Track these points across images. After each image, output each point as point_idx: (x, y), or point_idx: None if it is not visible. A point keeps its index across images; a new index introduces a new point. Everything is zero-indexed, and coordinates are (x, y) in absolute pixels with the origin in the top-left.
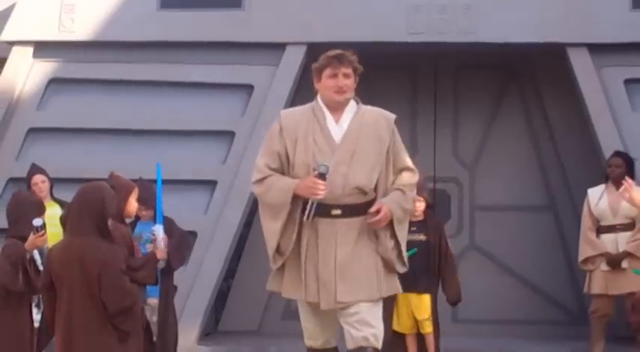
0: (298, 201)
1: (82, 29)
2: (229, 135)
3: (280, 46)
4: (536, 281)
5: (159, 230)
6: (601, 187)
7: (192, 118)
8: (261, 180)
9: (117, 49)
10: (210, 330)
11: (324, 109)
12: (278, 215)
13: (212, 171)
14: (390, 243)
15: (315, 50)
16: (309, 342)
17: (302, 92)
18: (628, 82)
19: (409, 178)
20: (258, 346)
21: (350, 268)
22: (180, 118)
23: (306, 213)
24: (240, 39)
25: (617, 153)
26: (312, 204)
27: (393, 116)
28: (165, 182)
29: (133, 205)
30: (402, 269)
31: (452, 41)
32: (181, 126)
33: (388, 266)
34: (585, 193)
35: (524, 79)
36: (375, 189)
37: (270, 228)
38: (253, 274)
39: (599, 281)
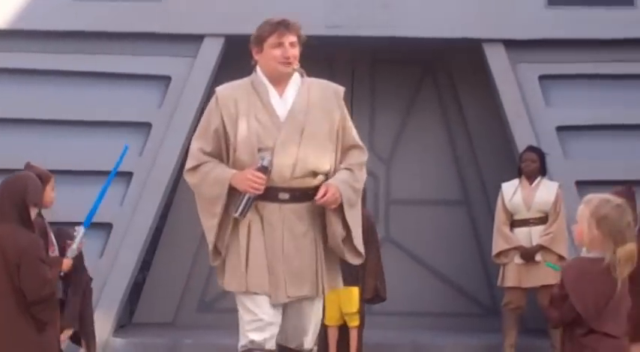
0: (236, 193)
1: None
2: (146, 126)
3: (198, 38)
4: (450, 275)
5: (79, 232)
6: (514, 182)
7: (108, 109)
8: (194, 169)
9: (32, 39)
10: (125, 322)
11: (266, 82)
12: (213, 209)
13: (128, 163)
14: (340, 230)
15: (232, 42)
16: (252, 335)
17: (220, 84)
18: (542, 78)
19: (358, 156)
20: (173, 338)
21: (296, 260)
22: (96, 109)
23: (237, 207)
24: (157, 30)
25: (531, 148)
26: (249, 199)
27: (342, 88)
28: (80, 173)
29: (49, 195)
30: (355, 261)
31: (370, 35)
32: (97, 117)
33: (331, 260)
34: (499, 188)
35: (441, 74)
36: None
37: (206, 223)
38: (169, 266)
39: (512, 274)
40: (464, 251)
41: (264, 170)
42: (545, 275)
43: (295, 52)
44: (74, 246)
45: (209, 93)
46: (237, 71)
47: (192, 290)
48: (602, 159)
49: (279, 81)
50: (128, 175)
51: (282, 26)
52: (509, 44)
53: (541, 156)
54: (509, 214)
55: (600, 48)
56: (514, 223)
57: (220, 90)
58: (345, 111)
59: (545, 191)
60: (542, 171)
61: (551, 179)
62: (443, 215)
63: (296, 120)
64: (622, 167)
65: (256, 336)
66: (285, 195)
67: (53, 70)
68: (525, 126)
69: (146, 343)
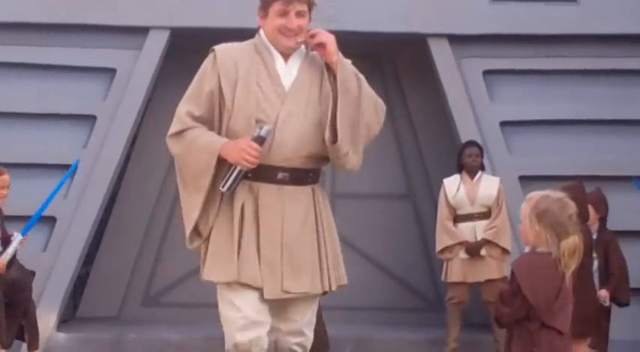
0: (225, 166)
1: None
2: (91, 119)
3: (143, 30)
4: (395, 269)
5: (15, 239)
6: (456, 177)
7: (52, 102)
8: (179, 134)
9: None
10: (69, 317)
11: (271, 48)
12: (197, 183)
13: (73, 156)
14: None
15: (178, 35)
16: (237, 337)
17: (165, 77)
18: (487, 73)
19: None
20: (118, 333)
21: (296, 250)
22: (39, 101)
23: (226, 181)
24: (103, 22)
25: (473, 143)
26: (239, 172)
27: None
28: (23, 166)
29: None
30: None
31: (316, 28)
32: (41, 109)
33: (336, 252)
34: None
35: (387, 68)
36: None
37: (187, 199)
38: (113, 260)
39: (457, 269)
40: (408, 245)
41: (261, 141)
42: (490, 269)
43: (302, 22)
44: (9, 250)
45: (154, 86)
46: (183, 64)
47: (136, 284)
48: (546, 155)
49: (283, 52)
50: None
51: None
52: (454, 39)
53: (482, 150)
54: (453, 209)
55: (544, 43)
56: (457, 218)
57: (219, 48)
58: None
59: (488, 185)
60: (482, 165)
61: (495, 174)
62: (387, 209)
63: (300, 93)
64: (566, 162)
65: (241, 337)
66: (285, 176)
67: None
68: (469, 121)
69: (90, 338)
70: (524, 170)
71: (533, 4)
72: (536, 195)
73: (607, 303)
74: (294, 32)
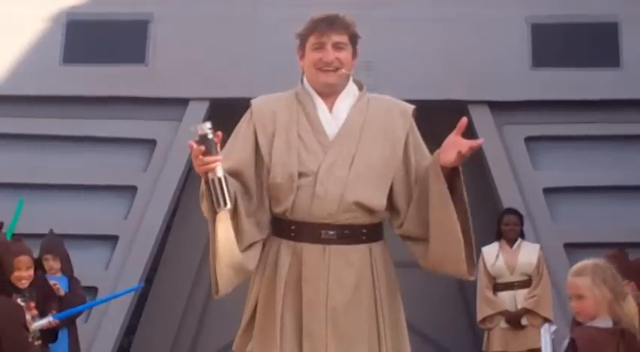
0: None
1: None
2: (131, 189)
3: (183, 102)
4: (438, 339)
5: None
6: (495, 245)
7: (93, 173)
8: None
9: (19, 103)
10: None
11: (313, 94)
12: (212, 238)
13: (113, 226)
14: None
15: (217, 105)
16: None
17: None
18: (528, 139)
19: None
20: None
21: (344, 319)
22: (81, 173)
23: (215, 199)
24: (142, 94)
25: (512, 211)
26: (214, 182)
27: (410, 107)
28: (66, 236)
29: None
30: (470, 276)
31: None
32: (82, 180)
33: (397, 318)
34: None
35: (427, 135)
36: (390, 206)
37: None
38: (155, 330)
39: (498, 339)
40: (452, 314)
41: (202, 140)
42: (532, 339)
43: (341, 55)
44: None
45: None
46: (223, 134)
47: None
48: (590, 222)
49: (328, 93)
50: (113, 239)
51: (324, 23)
52: (495, 106)
53: (521, 218)
54: (492, 278)
55: (586, 109)
56: (497, 286)
57: (256, 101)
58: (416, 131)
59: (527, 253)
60: (521, 233)
61: (539, 241)
62: (431, 278)
63: (348, 140)
64: (610, 229)
65: None
66: (330, 234)
67: (40, 135)
68: (512, 189)
69: None
70: (569, 237)
71: (575, 69)
72: (585, 266)
73: None
74: (332, 66)
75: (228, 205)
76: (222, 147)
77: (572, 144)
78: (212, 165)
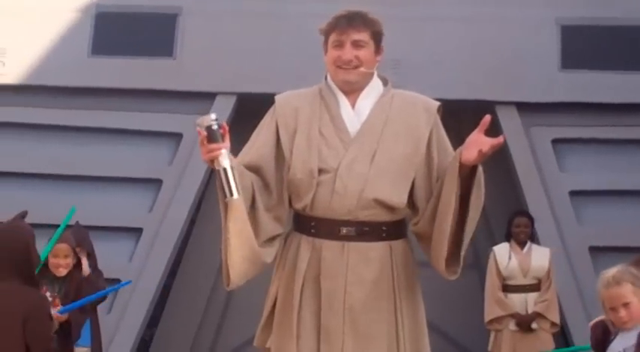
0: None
1: (12, 73)
2: (157, 183)
3: (210, 96)
4: (460, 339)
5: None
6: (505, 246)
7: (119, 165)
8: None
9: (47, 94)
10: None
11: (336, 91)
12: (225, 234)
13: (138, 219)
14: (448, 230)
15: (244, 100)
16: None
17: (231, 141)
18: (556, 141)
19: None
20: None
21: (363, 319)
22: (107, 165)
23: (223, 189)
24: (170, 87)
25: (523, 213)
26: (220, 172)
27: (435, 103)
28: (90, 228)
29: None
30: (450, 275)
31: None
32: (108, 172)
33: (417, 317)
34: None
35: (453, 135)
36: (411, 203)
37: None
38: (177, 323)
39: (507, 342)
40: (475, 315)
41: (209, 131)
42: (542, 343)
43: (360, 53)
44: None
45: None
46: (249, 129)
47: (200, 347)
48: (616, 225)
49: (351, 89)
50: (138, 231)
51: (345, 20)
52: (523, 107)
53: (532, 220)
54: (502, 279)
55: (615, 112)
56: (507, 288)
57: (280, 97)
58: (440, 128)
59: (540, 257)
60: (532, 235)
61: (564, 244)
62: (456, 279)
63: (369, 137)
64: (636, 233)
65: None
66: (349, 230)
67: (66, 126)
68: (538, 191)
69: None
70: (594, 240)
71: (604, 72)
72: (620, 274)
73: None
74: (351, 64)
75: (235, 195)
76: (231, 140)
77: (600, 147)
78: (216, 153)
